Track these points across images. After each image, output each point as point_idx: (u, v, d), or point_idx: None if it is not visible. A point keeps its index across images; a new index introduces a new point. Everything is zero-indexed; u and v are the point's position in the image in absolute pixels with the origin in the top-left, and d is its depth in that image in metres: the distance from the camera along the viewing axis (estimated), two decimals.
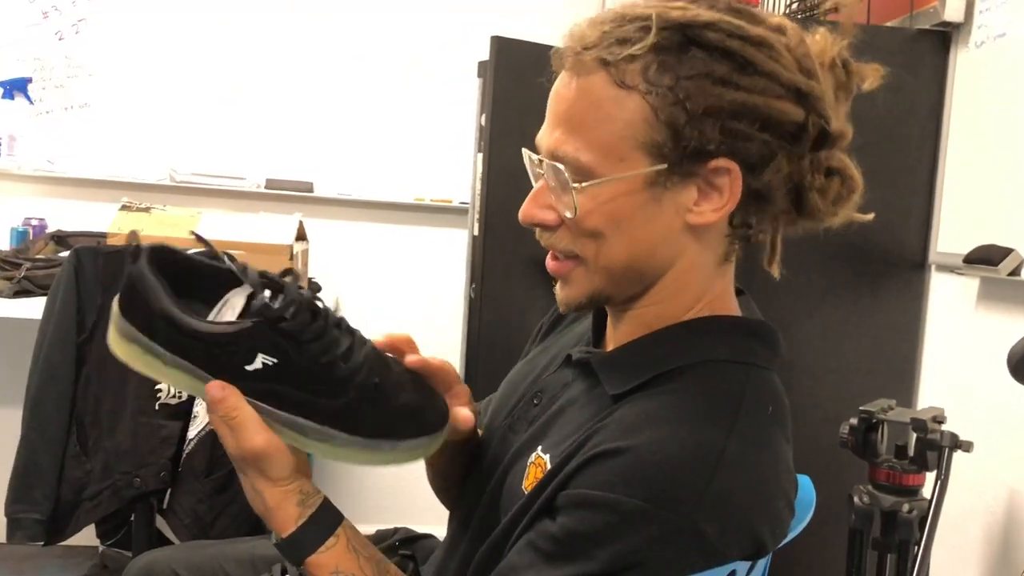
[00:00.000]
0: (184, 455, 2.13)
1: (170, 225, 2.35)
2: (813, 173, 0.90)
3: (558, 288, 0.94)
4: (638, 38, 0.82)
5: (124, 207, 2.41)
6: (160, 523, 2.23)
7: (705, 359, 0.89)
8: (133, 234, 0.86)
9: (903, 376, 2.30)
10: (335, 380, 0.86)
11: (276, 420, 0.86)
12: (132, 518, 2.26)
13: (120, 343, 0.87)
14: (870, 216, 0.98)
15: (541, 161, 0.90)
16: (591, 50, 0.84)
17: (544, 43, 2.61)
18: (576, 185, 0.85)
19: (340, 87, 3.35)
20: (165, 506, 2.18)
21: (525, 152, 0.95)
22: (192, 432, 2.12)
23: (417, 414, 0.91)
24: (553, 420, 0.96)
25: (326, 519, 0.89)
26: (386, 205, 3.40)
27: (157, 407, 2.10)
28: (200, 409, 2.12)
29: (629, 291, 0.92)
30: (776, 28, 0.86)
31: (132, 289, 0.85)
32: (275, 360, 0.83)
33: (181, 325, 0.83)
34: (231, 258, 0.88)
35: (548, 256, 0.93)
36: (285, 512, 0.88)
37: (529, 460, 0.94)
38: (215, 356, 0.84)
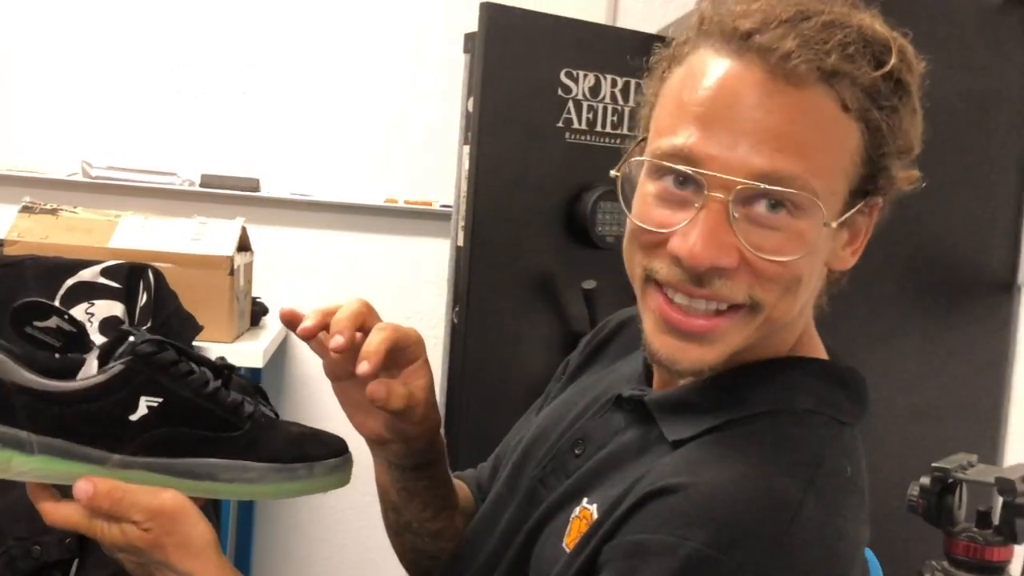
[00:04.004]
0: None
1: (82, 230, 2.34)
2: None
3: (683, 349, 0.92)
4: (862, 54, 0.86)
5: (25, 208, 2.40)
6: None
7: (786, 408, 0.93)
8: None
9: (986, 424, 2.30)
10: (227, 409, 0.93)
11: (176, 474, 0.91)
12: None
13: None
14: None
15: (727, 182, 0.86)
16: (800, 57, 0.85)
17: (544, 12, 2.62)
18: (831, 223, 0.88)
19: (293, 63, 3.35)
20: None
21: (658, 163, 0.90)
22: None
23: (320, 436, 1.00)
24: (602, 469, 0.99)
25: None
26: (349, 208, 3.40)
27: None
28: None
29: (758, 344, 0.94)
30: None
31: None
32: (160, 399, 0.89)
33: (47, 392, 0.86)
34: (71, 319, 0.93)
35: (673, 307, 0.91)
36: None
37: (572, 514, 0.97)
38: (90, 418, 0.88)
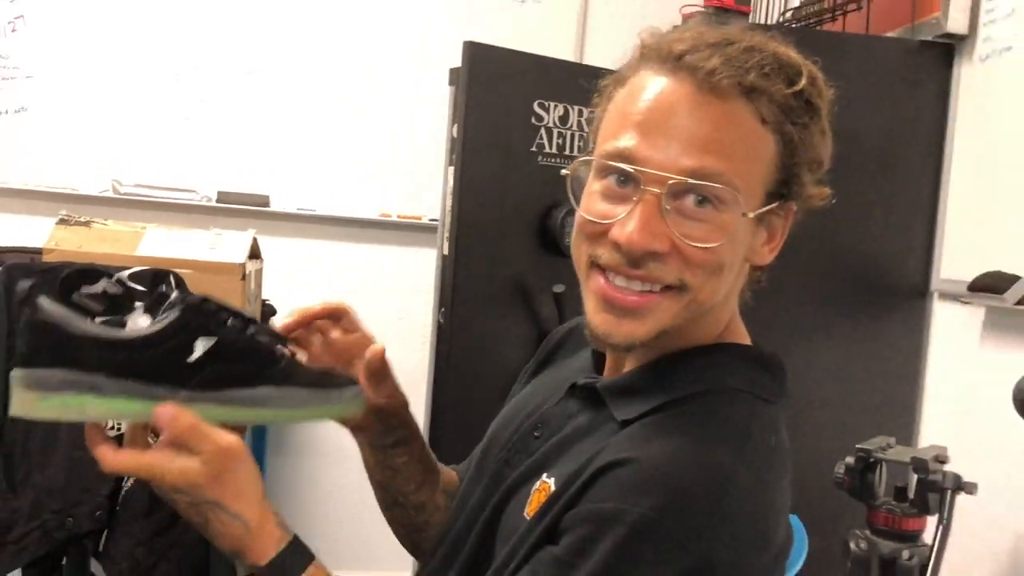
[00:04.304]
0: (123, 491, 2.11)
1: (112, 240, 2.34)
2: None
3: (617, 323, 0.93)
4: (777, 74, 0.90)
5: (62, 220, 2.40)
6: (96, 568, 2.21)
7: (716, 388, 0.96)
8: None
9: (903, 412, 2.32)
10: (265, 349, 0.96)
11: (237, 404, 0.93)
12: (63, 563, 2.23)
13: (40, 401, 0.86)
14: None
15: (660, 179, 0.89)
16: (723, 73, 0.89)
17: (520, 50, 2.63)
18: (748, 213, 0.91)
19: (300, 93, 3.37)
20: (101, 549, 2.16)
21: (604, 162, 0.93)
22: None
23: (334, 372, 1.05)
24: (559, 448, 1.00)
25: (303, 548, 0.92)
26: (349, 221, 3.41)
27: None
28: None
29: (687, 327, 0.96)
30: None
31: (39, 331, 0.86)
32: (213, 340, 0.91)
33: (114, 341, 0.87)
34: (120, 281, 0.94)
35: (612, 287, 0.93)
36: (268, 534, 0.90)
37: (533, 487, 0.98)
38: (155, 360, 0.88)
